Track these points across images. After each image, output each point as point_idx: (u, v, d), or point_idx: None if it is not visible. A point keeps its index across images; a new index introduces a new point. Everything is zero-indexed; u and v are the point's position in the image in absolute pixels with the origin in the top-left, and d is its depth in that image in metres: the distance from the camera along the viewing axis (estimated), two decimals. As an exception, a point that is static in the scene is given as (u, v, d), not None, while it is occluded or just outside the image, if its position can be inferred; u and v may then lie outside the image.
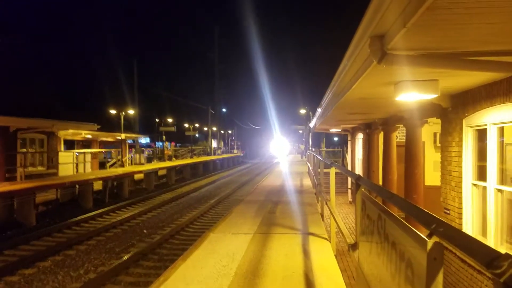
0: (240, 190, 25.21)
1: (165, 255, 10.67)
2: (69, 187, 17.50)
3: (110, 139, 33.37)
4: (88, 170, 24.62)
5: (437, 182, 7.22)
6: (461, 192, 6.05)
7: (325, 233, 6.50)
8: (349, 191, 18.31)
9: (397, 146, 11.77)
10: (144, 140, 58.04)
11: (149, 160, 36.89)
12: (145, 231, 13.48)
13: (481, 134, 5.73)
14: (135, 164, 30.74)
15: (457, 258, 6.02)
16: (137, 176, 25.00)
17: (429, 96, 5.19)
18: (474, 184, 5.81)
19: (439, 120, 7.26)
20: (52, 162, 21.55)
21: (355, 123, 15.59)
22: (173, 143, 58.13)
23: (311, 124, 24.75)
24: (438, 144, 10.95)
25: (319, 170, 11.39)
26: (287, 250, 5.51)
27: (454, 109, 6.40)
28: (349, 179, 17.10)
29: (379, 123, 12.14)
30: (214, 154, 56.77)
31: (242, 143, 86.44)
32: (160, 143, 51.85)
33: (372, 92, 6.25)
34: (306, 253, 5.39)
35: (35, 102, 21.57)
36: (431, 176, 12.09)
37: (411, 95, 5.17)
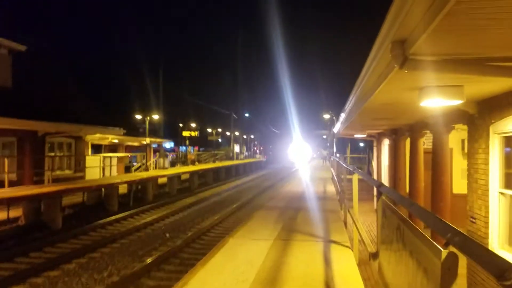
0: (262, 195, 25.20)
1: (186, 259, 10.76)
2: (95, 190, 17.90)
3: (135, 144, 34.03)
4: (114, 173, 25.12)
5: (465, 190, 7.01)
6: (487, 201, 5.87)
7: (347, 241, 6.40)
8: (375, 198, 17.98)
9: (424, 152, 11.45)
10: (168, 144, 58.83)
11: (173, 164, 37.41)
12: (167, 235, 13.63)
13: (509, 141, 5.56)
14: (159, 168, 31.20)
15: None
16: (161, 180, 25.35)
17: (454, 102, 5.06)
18: (501, 193, 5.63)
19: (466, 127, 7.08)
20: (80, 165, 22.12)
21: (380, 129, 15.36)
22: (196, 148, 58.73)
23: (335, 130, 24.54)
24: (465, 151, 10.68)
25: (342, 176, 11.29)
26: (307, 258, 5.45)
27: (480, 115, 6.23)
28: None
29: (405, 129, 11.91)
30: (237, 158, 56.98)
31: (265, 148, 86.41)
32: (184, 148, 52.48)
33: (396, 97, 6.16)
34: (327, 261, 5.31)
35: (62, 106, 22.13)
36: (459, 183, 11.79)
37: (436, 101, 5.07)
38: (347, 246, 6.09)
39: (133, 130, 31.43)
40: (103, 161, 23.90)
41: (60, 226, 14.32)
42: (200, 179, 32.16)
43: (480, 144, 6.19)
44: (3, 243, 11.82)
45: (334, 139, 39.28)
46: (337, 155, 34.94)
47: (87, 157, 22.60)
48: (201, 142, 65.33)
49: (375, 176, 20.26)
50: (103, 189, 18.25)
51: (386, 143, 16.52)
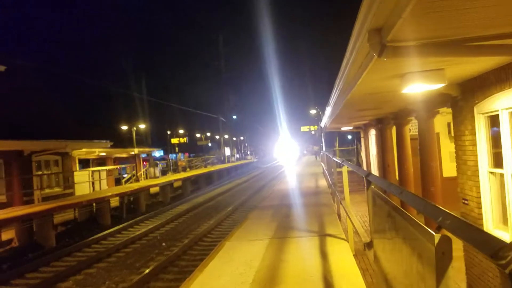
0: (255, 195, 25.14)
1: (185, 266, 10.67)
2: (87, 206, 17.67)
3: (124, 155, 33.70)
4: (104, 187, 24.84)
5: (455, 173, 7.06)
6: (478, 181, 5.90)
7: (342, 234, 6.40)
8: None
9: (411, 139, 11.62)
10: (157, 153, 58.46)
11: (164, 172, 37.13)
12: (163, 244, 13.51)
13: (494, 120, 5.59)
14: (150, 177, 30.95)
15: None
16: (153, 190, 25.15)
17: (436, 86, 5.09)
18: (491, 172, 5.67)
19: (451, 110, 7.12)
20: (68, 182, 21.81)
21: (366, 120, 15.43)
22: (186, 154, 58.45)
23: (322, 124, 24.61)
24: (452, 134, 10.79)
25: (332, 169, 11.30)
26: (304, 254, 5.43)
27: (463, 97, 6.27)
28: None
29: (390, 118, 12.00)
30: (228, 161, 56.84)
31: (255, 148, 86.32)
32: (174, 155, 52.19)
33: (379, 86, 6.16)
34: (324, 255, 5.30)
35: (46, 124, 21.85)
36: (449, 167, 11.89)
37: (418, 86, 5.09)
38: (342, 238, 6.09)
39: (121, 141, 31.14)
40: (92, 175, 23.61)
41: (54, 244, 14.12)
42: (193, 185, 32.00)
43: (466, 126, 6.23)
44: (-3, 266, 11.61)
45: (322, 134, 39.44)
46: (324, 149, 35.02)
47: (75, 173, 22.30)
48: (191, 148, 65.03)
49: (364, 167, 20.37)
50: (94, 204, 18.03)
51: (373, 133, 16.63)
